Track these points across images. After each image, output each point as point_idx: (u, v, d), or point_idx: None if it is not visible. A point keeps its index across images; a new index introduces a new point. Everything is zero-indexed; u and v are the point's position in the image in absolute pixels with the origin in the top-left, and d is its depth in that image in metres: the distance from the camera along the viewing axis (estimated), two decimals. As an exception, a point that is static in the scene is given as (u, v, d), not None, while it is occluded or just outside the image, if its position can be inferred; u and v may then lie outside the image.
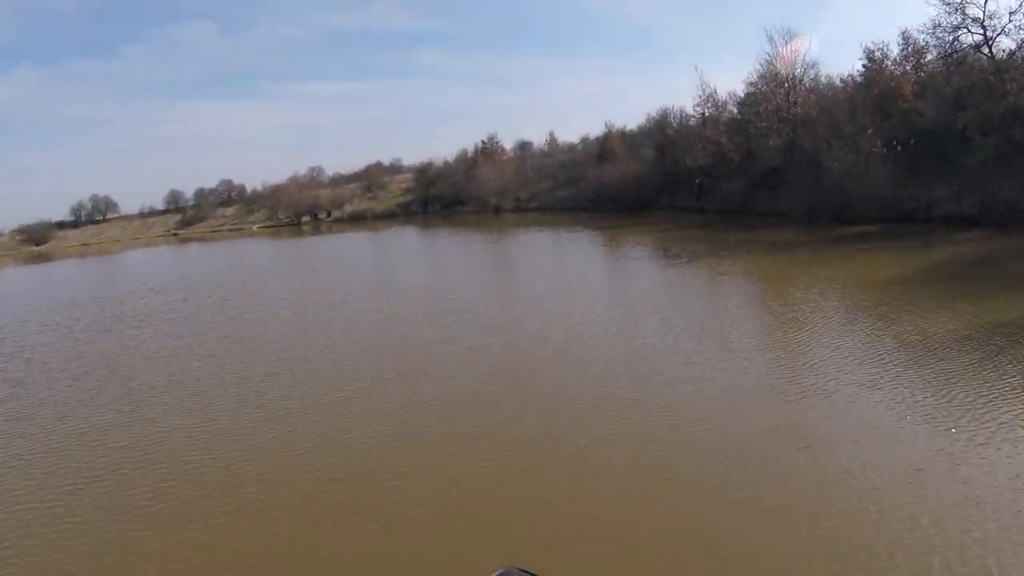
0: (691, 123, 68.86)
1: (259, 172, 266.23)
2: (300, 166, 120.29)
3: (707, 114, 65.00)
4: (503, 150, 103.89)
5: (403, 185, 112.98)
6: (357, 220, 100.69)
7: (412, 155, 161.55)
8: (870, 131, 42.75)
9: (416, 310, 29.64)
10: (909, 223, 38.25)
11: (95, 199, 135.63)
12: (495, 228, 69.04)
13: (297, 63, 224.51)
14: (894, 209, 39.88)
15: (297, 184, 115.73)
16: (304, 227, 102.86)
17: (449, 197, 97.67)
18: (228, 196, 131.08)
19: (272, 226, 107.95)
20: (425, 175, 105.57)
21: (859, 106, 46.05)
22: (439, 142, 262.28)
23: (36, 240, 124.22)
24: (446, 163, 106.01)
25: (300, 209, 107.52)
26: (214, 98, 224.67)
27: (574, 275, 35.30)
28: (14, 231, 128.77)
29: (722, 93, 64.62)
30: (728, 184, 56.10)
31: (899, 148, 42.32)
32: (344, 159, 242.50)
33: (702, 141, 61.41)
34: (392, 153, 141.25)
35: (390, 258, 55.12)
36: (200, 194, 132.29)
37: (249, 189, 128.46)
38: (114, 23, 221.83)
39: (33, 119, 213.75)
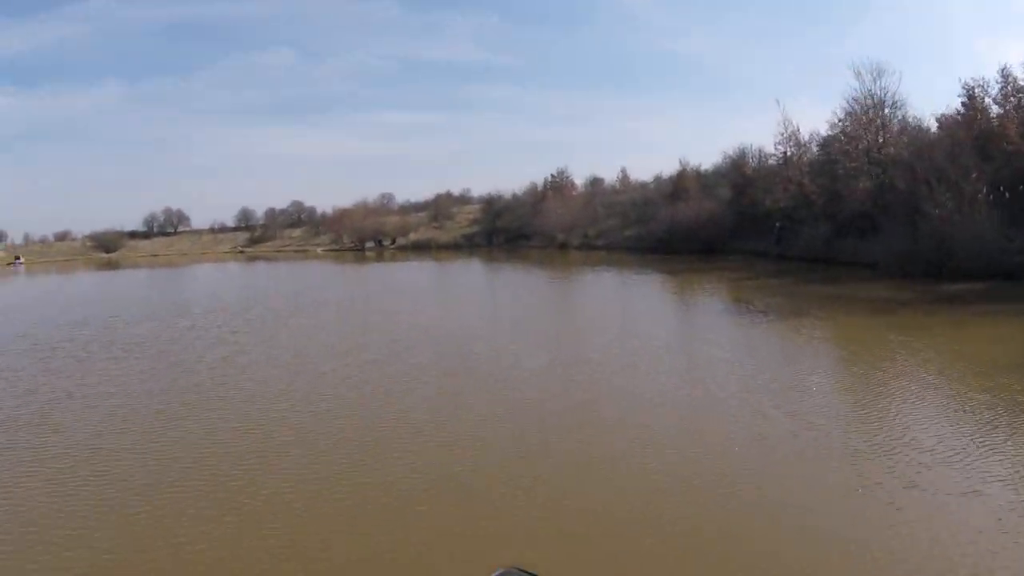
0: (770, 162, 65.62)
1: (332, 195, 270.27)
2: (373, 192, 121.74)
3: (789, 153, 61.47)
4: (572, 185, 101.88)
5: (470, 216, 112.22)
6: (421, 249, 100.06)
7: (482, 186, 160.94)
8: (974, 174, 38.84)
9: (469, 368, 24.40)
10: (1017, 280, 33.93)
11: (168, 212, 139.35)
12: (560, 265, 66.72)
13: (373, 91, 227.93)
14: (1001, 263, 35.57)
15: (364, 209, 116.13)
16: (367, 253, 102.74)
17: (515, 230, 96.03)
18: (298, 217, 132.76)
19: (336, 250, 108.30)
20: (492, 207, 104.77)
21: (960, 146, 42.07)
22: (509, 175, 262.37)
23: (106, 248, 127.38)
24: (514, 196, 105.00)
25: (364, 235, 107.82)
26: (290, 122, 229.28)
27: (639, 330, 29.89)
28: (87, 237, 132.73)
29: (803, 133, 61.25)
30: (811, 229, 52.14)
31: (1006, 194, 38.33)
32: (417, 187, 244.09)
33: (783, 181, 58.10)
34: (463, 184, 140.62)
35: (448, 291, 53.43)
36: (271, 214, 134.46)
37: (319, 212, 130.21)
38: (198, 45, 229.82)
39: (114, 132, 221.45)
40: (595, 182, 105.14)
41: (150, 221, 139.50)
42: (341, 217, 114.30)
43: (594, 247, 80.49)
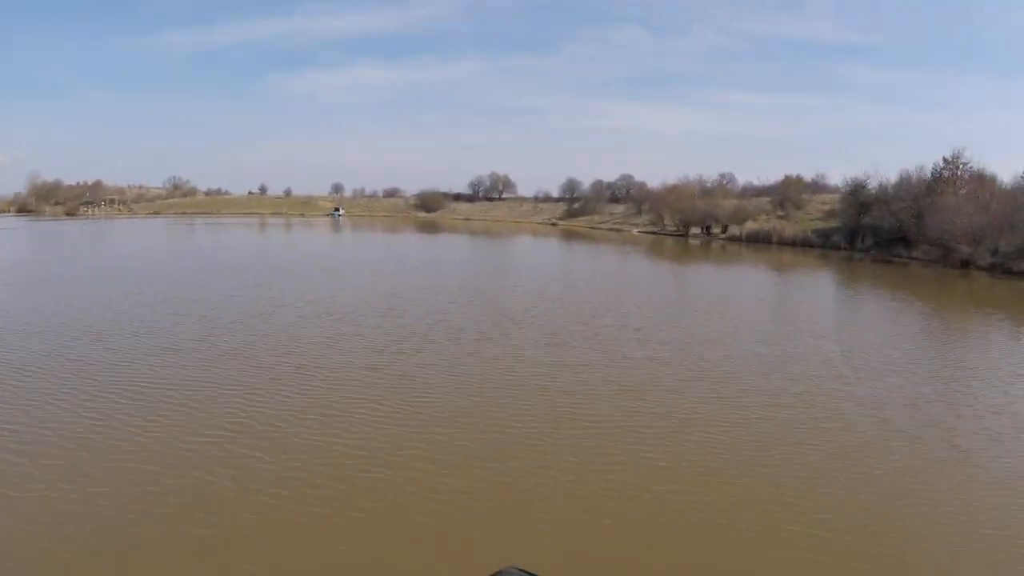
0: None
1: (667, 175, 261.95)
2: (711, 174, 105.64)
3: None
4: (981, 177, 73.32)
5: (824, 206, 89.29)
6: (758, 242, 79.58)
7: (836, 176, 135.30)
8: None
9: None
10: None
11: (494, 177, 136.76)
12: (989, 306, 42.04)
13: (721, 70, 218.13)
14: None
15: (695, 188, 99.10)
16: (691, 239, 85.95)
17: (888, 232, 71.36)
18: (626, 192, 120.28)
19: (654, 232, 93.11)
20: (857, 197, 79.79)
21: None
22: (854, 163, 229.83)
23: (427, 207, 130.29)
24: (883, 185, 78.37)
25: (691, 218, 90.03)
26: (635, 99, 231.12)
27: None
28: (413, 196, 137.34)
29: None
30: None
31: None
32: (755, 173, 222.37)
33: None
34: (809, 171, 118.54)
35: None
36: (597, 187, 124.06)
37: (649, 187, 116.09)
38: (552, 22, 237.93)
39: (472, 102, 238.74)
40: (980, 179, 74.34)
41: (476, 185, 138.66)
42: (667, 195, 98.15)
43: (1015, 272, 54.41)
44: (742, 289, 45.13)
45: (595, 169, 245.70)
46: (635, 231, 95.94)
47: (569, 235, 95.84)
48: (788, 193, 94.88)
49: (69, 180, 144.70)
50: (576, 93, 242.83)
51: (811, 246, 75.29)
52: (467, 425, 16.26)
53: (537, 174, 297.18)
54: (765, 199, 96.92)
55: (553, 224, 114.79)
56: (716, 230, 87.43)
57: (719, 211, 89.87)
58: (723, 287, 46.17)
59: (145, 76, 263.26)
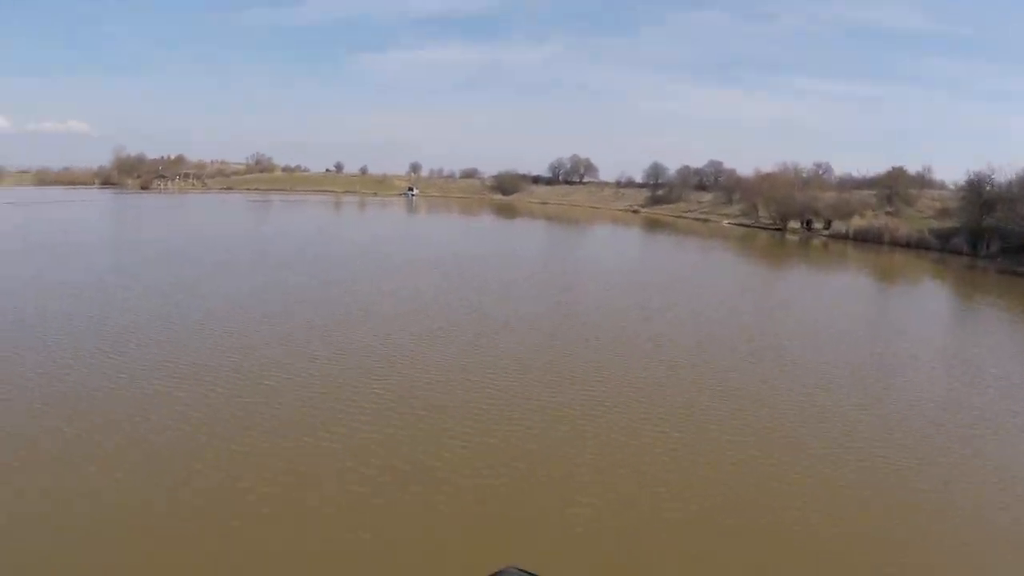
0: None
1: (749, 162, 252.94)
2: (801, 162, 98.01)
3: None
4: None
5: (935, 204, 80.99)
6: (867, 241, 71.74)
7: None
8: None
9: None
10: None
11: (575, 159, 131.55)
12: None
13: (806, 57, 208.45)
14: None
15: (792, 178, 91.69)
16: (790, 235, 79.01)
17: (1018, 237, 63.12)
18: (715, 179, 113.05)
19: (747, 225, 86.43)
20: (978, 194, 71.31)
21: None
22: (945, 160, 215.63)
23: (504, 190, 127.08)
24: (1013, 182, 69.33)
25: (789, 210, 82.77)
26: (717, 84, 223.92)
27: None
28: (491, 177, 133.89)
29: None
30: None
31: None
32: (846, 166, 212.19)
33: None
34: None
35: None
36: (684, 172, 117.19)
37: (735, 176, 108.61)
38: (636, 5, 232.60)
39: (553, 83, 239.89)
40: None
41: (556, 167, 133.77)
42: (761, 183, 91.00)
43: None
44: (852, 306, 39.35)
45: (680, 156, 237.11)
46: (725, 223, 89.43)
47: (652, 224, 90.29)
48: (896, 186, 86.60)
49: (153, 154, 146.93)
50: (659, 78, 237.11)
51: (927, 248, 67.41)
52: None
53: (620, 158, 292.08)
54: (867, 192, 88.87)
55: (635, 212, 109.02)
56: (818, 225, 79.98)
57: (820, 204, 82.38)
58: (831, 311, 40.25)
59: (232, 51, 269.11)
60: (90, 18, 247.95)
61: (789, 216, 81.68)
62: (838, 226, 77.17)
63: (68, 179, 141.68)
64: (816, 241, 74.15)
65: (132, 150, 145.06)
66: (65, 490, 12.03)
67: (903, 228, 71.85)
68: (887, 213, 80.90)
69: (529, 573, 4.05)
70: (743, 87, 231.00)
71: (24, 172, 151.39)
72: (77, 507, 11.56)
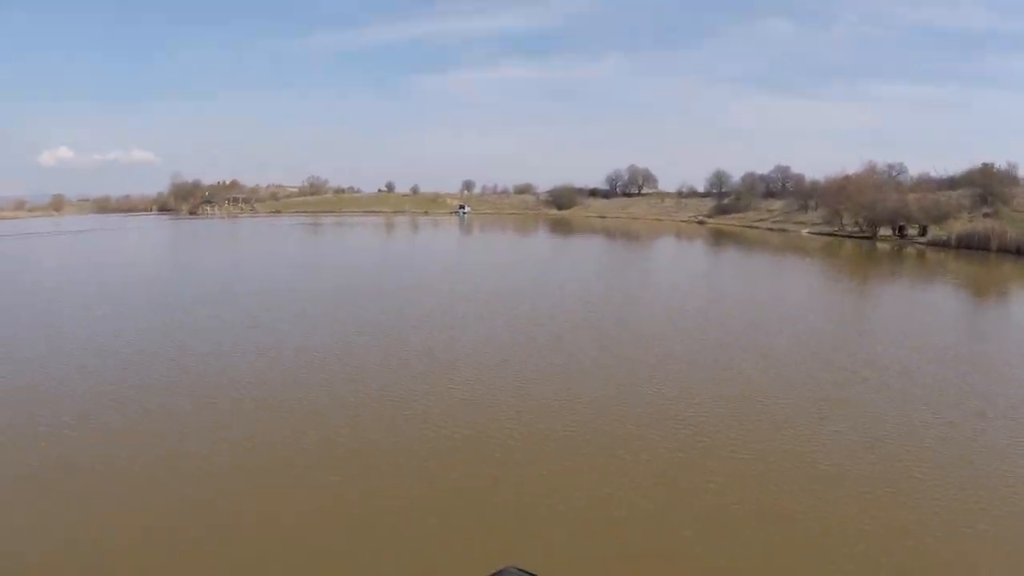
0: None
1: (814, 170, 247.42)
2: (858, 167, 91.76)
3: None
4: None
5: (1034, 204, 74.12)
6: (971, 248, 63.44)
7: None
8: None
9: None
10: None
11: (633, 170, 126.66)
12: None
13: (870, 61, 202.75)
14: None
15: (877, 180, 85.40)
16: (880, 243, 72.76)
17: None
18: (781, 185, 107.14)
19: (830, 234, 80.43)
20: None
21: None
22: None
23: (560, 204, 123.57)
24: None
25: (877, 216, 76.34)
26: (781, 93, 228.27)
27: None
28: (545, 192, 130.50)
29: None
30: None
31: None
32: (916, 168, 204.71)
33: None
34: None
35: None
36: (748, 179, 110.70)
37: (807, 181, 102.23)
38: (695, 17, 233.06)
39: (612, 98, 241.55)
40: None
41: (613, 179, 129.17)
42: (843, 187, 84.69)
43: None
44: None
45: (743, 163, 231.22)
46: (804, 232, 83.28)
47: (720, 236, 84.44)
48: (991, 185, 79.93)
49: (209, 180, 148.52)
50: (720, 88, 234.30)
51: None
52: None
53: (679, 168, 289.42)
54: (961, 192, 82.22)
55: (700, 222, 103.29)
56: (911, 231, 73.49)
57: (910, 208, 75.80)
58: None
59: (292, 77, 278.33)
60: (157, 45, 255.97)
61: (878, 222, 75.38)
62: (937, 232, 70.66)
63: (127, 206, 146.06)
64: (909, 250, 67.93)
65: (190, 176, 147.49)
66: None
67: (1010, 230, 65.35)
68: (985, 215, 74.58)
69: (529, 573, 3.90)
70: (806, 94, 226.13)
71: (85, 200, 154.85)
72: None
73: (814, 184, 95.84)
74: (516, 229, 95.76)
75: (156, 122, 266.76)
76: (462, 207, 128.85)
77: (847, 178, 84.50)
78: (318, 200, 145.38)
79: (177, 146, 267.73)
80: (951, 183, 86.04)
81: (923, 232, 70.57)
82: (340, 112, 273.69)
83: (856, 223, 77.86)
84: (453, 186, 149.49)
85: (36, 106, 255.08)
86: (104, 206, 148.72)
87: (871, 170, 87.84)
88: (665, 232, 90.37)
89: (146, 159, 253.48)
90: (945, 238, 66.61)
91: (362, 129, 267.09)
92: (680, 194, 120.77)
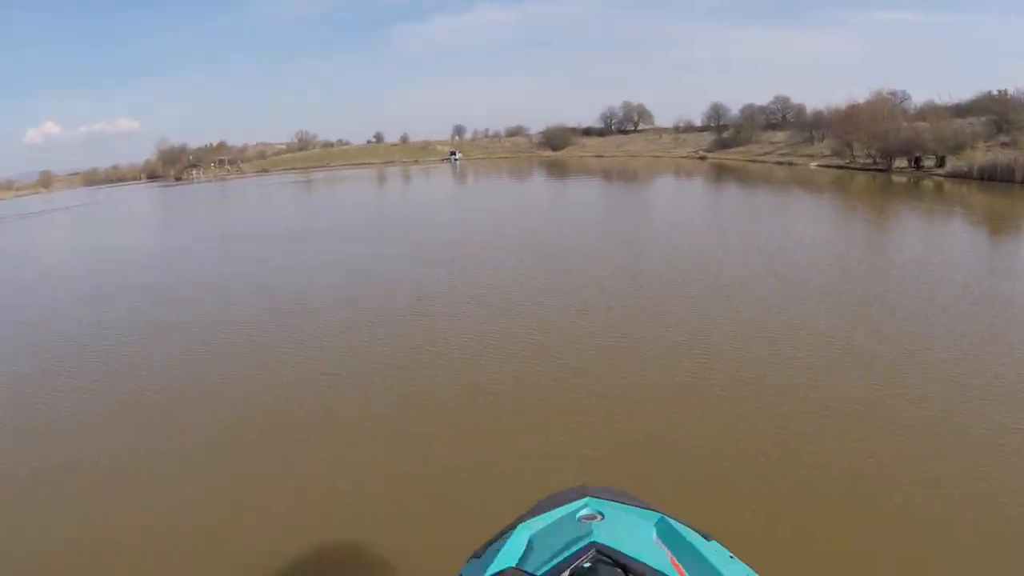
0: None
1: (812, 100, 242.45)
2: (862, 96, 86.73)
3: None
4: None
5: (1056, 131, 70.16)
6: (992, 180, 58.39)
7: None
8: None
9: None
10: None
11: (627, 106, 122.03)
12: None
13: None
14: None
15: (889, 109, 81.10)
16: (895, 175, 68.96)
17: None
18: (782, 117, 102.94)
19: (840, 166, 76.57)
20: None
21: None
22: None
23: (553, 145, 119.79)
24: None
25: (890, 147, 71.80)
26: (772, 21, 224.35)
27: None
28: (538, 133, 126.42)
29: None
30: None
31: None
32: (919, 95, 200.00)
33: None
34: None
35: None
36: (748, 111, 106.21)
37: (809, 111, 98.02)
38: None
39: (599, 35, 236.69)
40: None
41: (607, 117, 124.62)
42: (850, 117, 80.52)
43: None
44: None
45: (740, 95, 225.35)
46: (812, 165, 79.56)
47: (723, 171, 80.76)
48: (1007, 113, 75.87)
49: (196, 143, 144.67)
50: (705, 19, 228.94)
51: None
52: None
53: (675, 102, 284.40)
54: (973, 119, 78.20)
55: (701, 158, 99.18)
56: (928, 162, 69.58)
57: (924, 138, 71.76)
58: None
59: (274, 39, 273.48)
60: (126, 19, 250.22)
61: (893, 153, 71.50)
62: (955, 163, 66.77)
63: (116, 176, 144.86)
64: (927, 182, 64.21)
65: (177, 141, 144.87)
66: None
67: (1026, 158, 61.33)
68: (1003, 144, 70.79)
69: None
70: (799, 23, 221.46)
71: (74, 174, 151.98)
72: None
73: (817, 115, 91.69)
74: (510, 174, 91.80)
75: (140, 92, 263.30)
76: (453, 154, 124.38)
77: (855, 107, 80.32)
78: (305, 156, 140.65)
79: (162, 114, 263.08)
80: (958, 111, 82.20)
81: (941, 163, 66.87)
82: (324, 69, 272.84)
83: (869, 155, 73.95)
84: (444, 133, 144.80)
85: (21, 89, 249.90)
86: (92, 178, 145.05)
87: (880, 98, 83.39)
88: (664, 170, 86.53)
89: (132, 128, 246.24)
90: (966, 169, 62.92)
91: (349, 84, 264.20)
92: (677, 129, 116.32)
